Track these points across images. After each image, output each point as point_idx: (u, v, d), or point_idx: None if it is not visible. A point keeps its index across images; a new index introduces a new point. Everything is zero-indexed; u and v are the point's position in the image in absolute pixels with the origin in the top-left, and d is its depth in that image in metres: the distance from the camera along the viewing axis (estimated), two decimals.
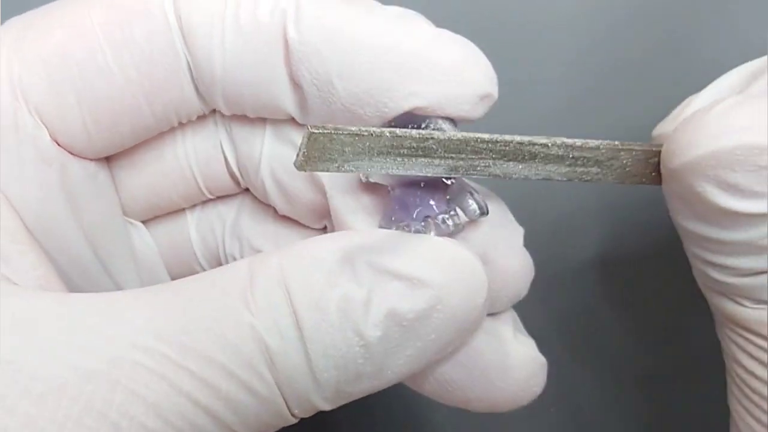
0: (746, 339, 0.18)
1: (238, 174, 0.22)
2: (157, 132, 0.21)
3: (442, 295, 0.17)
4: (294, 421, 0.17)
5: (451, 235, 0.18)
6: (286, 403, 0.17)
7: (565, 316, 0.30)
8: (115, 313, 0.16)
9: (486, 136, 0.17)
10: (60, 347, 0.15)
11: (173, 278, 0.23)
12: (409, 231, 0.18)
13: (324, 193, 0.20)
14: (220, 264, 0.23)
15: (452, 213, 0.18)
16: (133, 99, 0.19)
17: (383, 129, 0.16)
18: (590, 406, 0.31)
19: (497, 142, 0.17)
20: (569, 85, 0.28)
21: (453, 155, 0.17)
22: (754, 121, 0.16)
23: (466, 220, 0.18)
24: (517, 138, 0.17)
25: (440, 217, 0.18)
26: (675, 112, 0.20)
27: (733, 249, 0.17)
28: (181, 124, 0.21)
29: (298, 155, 0.15)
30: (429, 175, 0.17)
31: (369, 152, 0.16)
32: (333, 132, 0.15)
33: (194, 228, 0.23)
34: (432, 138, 0.17)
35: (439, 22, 0.18)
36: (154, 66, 0.19)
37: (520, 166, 0.18)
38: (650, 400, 0.31)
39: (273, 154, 0.21)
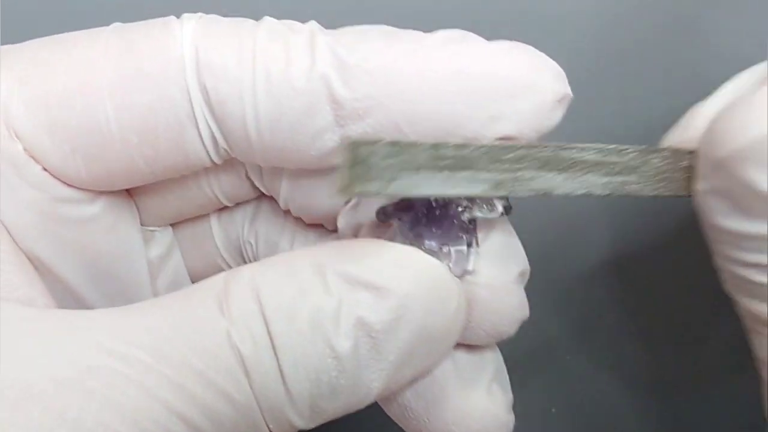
0: None
1: (264, 190, 0.22)
2: (163, 179, 0.20)
3: (408, 304, 0.17)
4: (266, 429, 0.17)
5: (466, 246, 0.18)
6: (261, 413, 0.16)
7: (567, 316, 0.30)
8: (92, 323, 0.16)
9: (523, 142, 0.17)
10: (36, 357, 0.15)
11: (194, 275, 0.24)
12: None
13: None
14: (240, 256, 0.23)
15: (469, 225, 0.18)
16: (130, 160, 0.19)
17: (421, 140, 0.16)
18: (590, 406, 0.31)
19: (534, 147, 0.17)
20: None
21: (494, 166, 0.17)
22: None
23: (489, 215, 0.18)
24: (554, 143, 0.17)
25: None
26: (684, 120, 0.19)
27: None
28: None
29: (340, 177, 0.15)
30: (475, 193, 0.17)
31: (410, 166, 0.16)
32: (372, 142, 0.15)
33: (217, 225, 0.23)
34: (471, 146, 0.16)
35: (439, 22, 0.18)
36: (157, 135, 0.18)
37: (561, 177, 0.17)
38: (651, 401, 0.31)
39: (292, 186, 0.21)
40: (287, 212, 0.22)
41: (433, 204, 0.18)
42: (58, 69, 0.18)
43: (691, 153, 0.18)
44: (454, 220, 0.18)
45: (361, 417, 0.19)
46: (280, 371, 0.16)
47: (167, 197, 0.22)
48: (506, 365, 0.20)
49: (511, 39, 0.19)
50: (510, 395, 0.20)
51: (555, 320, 0.30)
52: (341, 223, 0.20)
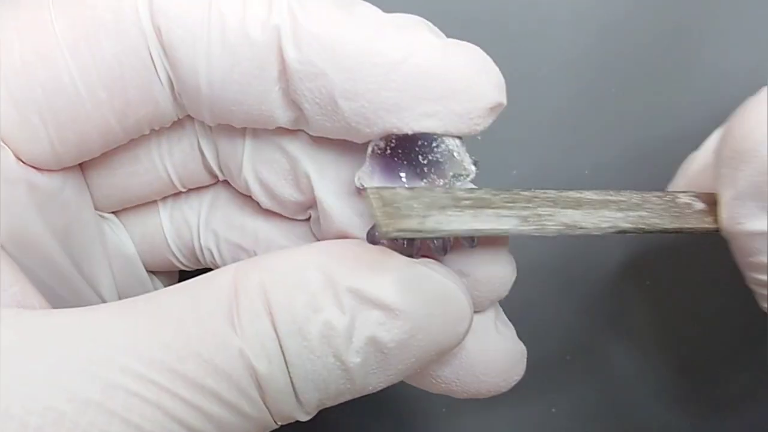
0: None
1: (217, 171, 0.21)
2: (129, 140, 0.20)
3: (423, 326, 0.17)
4: (277, 426, 0.17)
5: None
6: (272, 419, 0.17)
7: (567, 317, 0.30)
8: (101, 333, 0.16)
9: (525, 189, 0.18)
10: (51, 374, 0.15)
11: (149, 270, 0.23)
12: (396, 242, 0.18)
13: (309, 188, 0.19)
14: (195, 256, 0.23)
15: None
16: (102, 118, 0.18)
17: (433, 187, 0.17)
18: (590, 406, 0.31)
19: (538, 192, 0.18)
20: (567, 88, 0.28)
21: (510, 204, 0.17)
22: None
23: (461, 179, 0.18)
24: (553, 190, 0.18)
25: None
26: (681, 171, 0.20)
27: None
28: (155, 130, 0.20)
29: (377, 220, 0.15)
30: (506, 228, 0.17)
31: (436, 205, 0.16)
32: (391, 187, 0.16)
33: (167, 219, 0.22)
34: (480, 190, 0.17)
35: (439, 22, 0.18)
36: (125, 85, 0.18)
37: (579, 213, 0.18)
38: (653, 401, 0.31)
39: (255, 154, 0.20)
40: (246, 204, 0.21)
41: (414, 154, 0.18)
42: (11, 38, 0.18)
43: (688, 193, 0.19)
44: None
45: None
46: (293, 385, 0.16)
47: (117, 172, 0.21)
48: None
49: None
50: (510, 324, 0.21)
51: (555, 320, 0.30)
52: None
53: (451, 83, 0.17)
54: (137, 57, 0.18)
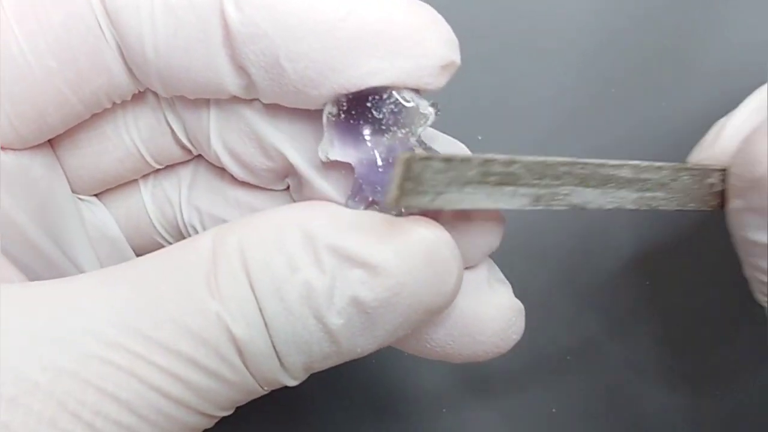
0: None
1: (189, 145, 0.21)
2: (90, 115, 0.19)
3: (405, 281, 0.16)
4: (265, 392, 0.17)
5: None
6: (256, 382, 0.16)
7: (567, 317, 0.30)
8: (77, 302, 0.16)
9: (566, 159, 0.17)
10: (26, 344, 0.15)
11: (136, 251, 0.23)
12: (377, 208, 0.18)
13: (280, 157, 0.19)
14: (180, 235, 0.22)
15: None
16: (56, 90, 0.18)
17: (473, 155, 0.16)
18: (590, 406, 0.31)
19: (576, 164, 0.17)
20: (568, 87, 0.28)
21: (536, 181, 0.17)
22: None
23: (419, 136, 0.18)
24: (593, 160, 0.18)
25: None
26: (709, 137, 0.19)
27: None
28: (118, 105, 0.20)
29: (391, 189, 0.15)
30: (515, 207, 0.17)
31: (459, 181, 0.16)
32: (427, 159, 0.15)
33: (149, 199, 0.22)
34: (517, 162, 0.17)
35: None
36: (75, 53, 0.18)
37: (596, 192, 0.18)
38: (653, 401, 0.31)
39: (221, 125, 0.19)
40: (225, 177, 0.21)
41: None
42: None
43: (720, 171, 0.19)
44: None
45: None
46: (274, 348, 0.16)
47: (86, 151, 0.21)
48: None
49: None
50: (506, 281, 0.20)
51: (555, 320, 0.30)
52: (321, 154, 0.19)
53: (397, 39, 0.17)
54: (84, 23, 0.17)
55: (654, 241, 0.29)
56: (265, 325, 0.16)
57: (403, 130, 0.18)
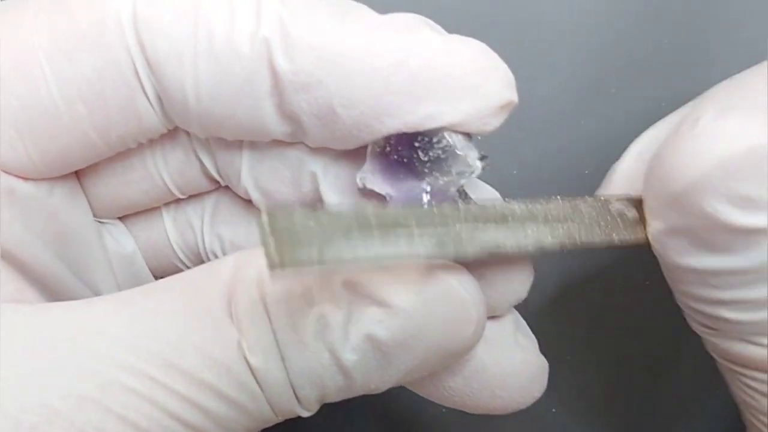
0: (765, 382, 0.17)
1: (217, 177, 0.20)
2: (115, 153, 0.19)
3: (424, 324, 0.16)
4: (279, 421, 0.17)
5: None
6: (273, 413, 0.16)
7: (567, 316, 0.30)
8: (98, 327, 0.16)
9: (445, 206, 0.16)
10: (47, 370, 0.15)
11: (155, 275, 0.23)
12: None
13: (312, 192, 0.19)
14: (200, 260, 0.22)
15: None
16: (83, 134, 0.18)
17: (336, 208, 0.15)
18: (590, 406, 0.31)
19: (456, 210, 0.16)
20: (568, 87, 0.28)
21: (425, 222, 0.15)
22: (755, 123, 0.14)
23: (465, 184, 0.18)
24: (475, 204, 0.17)
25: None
26: (604, 182, 0.19)
27: (747, 278, 0.16)
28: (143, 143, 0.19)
29: (265, 248, 0.13)
30: (419, 253, 0.15)
31: (340, 228, 0.14)
32: (289, 212, 0.14)
33: (171, 224, 0.22)
34: (391, 208, 0.16)
35: (439, 22, 0.18)
36: (106, 100, 0.17)
37: (502, 231, 0.16)
38: (653, 401, 0.31)
39: (255, 163, 0.19)
40: (249, 207, 0.21)
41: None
42: None
43: (620, 198, 0.18)
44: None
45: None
46: (290, 381, 0.16)
47: (111, 181, 0.20)
48: None
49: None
50: (533, 336, 0.20)
51: (555, 320, 0.30)
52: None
53: (456, 82, 0.16)
54: (119, 72, 0.17)
55: None
56: (281, 357, 0.16)
57: (445, 178, 0.17)
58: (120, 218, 0.22)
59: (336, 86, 0.16)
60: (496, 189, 0.20)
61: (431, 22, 0.17)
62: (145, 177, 0.20)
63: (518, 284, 0.19)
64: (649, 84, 0.28)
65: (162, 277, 0.23)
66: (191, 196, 0.22)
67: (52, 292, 0.19)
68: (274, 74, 0.17)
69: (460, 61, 0.16)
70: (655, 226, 0.17)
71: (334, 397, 0.17)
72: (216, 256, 0.22)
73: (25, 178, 0.18)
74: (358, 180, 0.18)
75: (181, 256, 0.22)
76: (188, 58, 0.17)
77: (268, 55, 0.16)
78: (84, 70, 0.17)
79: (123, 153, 0.19)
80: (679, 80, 0.28)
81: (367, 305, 0.16)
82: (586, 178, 0.29)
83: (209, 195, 0.22)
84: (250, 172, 0.19)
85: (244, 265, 0.16)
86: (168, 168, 0.20)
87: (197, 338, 0.16)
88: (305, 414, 0.17)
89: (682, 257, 0.16)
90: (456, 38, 0.17)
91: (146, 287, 0.17)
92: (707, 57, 0.28)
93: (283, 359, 0.16)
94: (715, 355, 0.18)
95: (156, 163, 0.20)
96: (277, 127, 0.18)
